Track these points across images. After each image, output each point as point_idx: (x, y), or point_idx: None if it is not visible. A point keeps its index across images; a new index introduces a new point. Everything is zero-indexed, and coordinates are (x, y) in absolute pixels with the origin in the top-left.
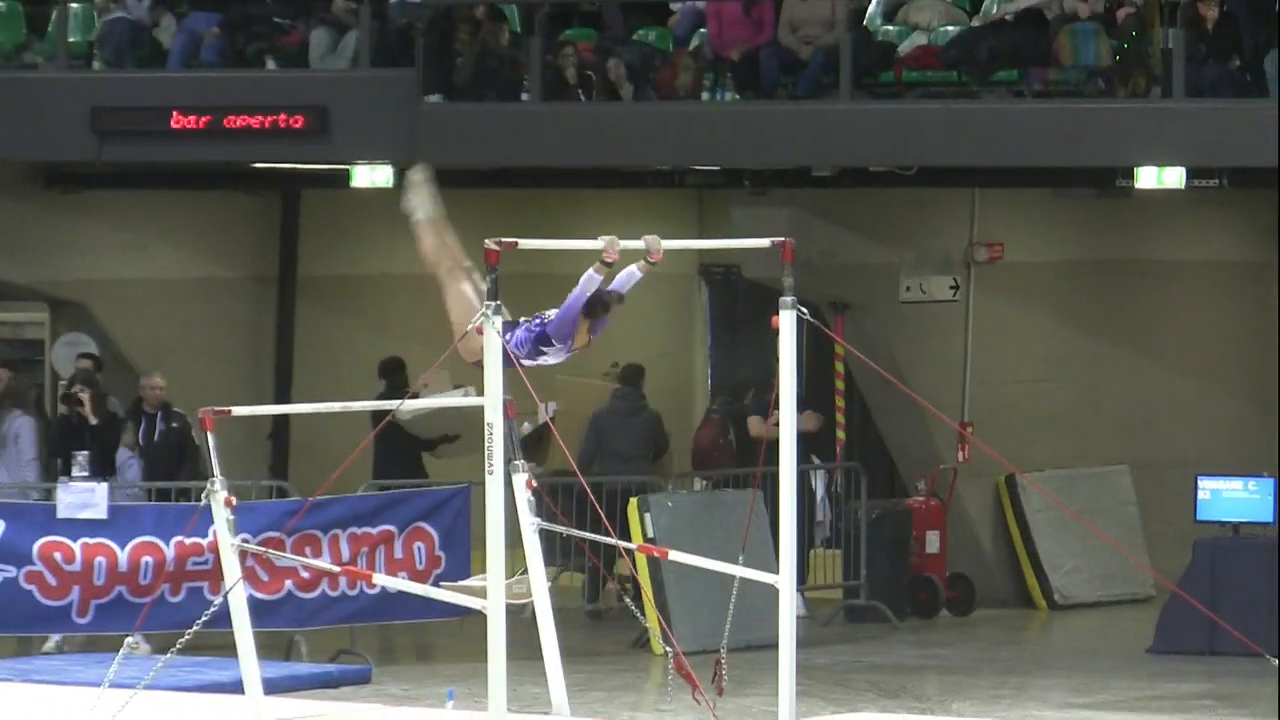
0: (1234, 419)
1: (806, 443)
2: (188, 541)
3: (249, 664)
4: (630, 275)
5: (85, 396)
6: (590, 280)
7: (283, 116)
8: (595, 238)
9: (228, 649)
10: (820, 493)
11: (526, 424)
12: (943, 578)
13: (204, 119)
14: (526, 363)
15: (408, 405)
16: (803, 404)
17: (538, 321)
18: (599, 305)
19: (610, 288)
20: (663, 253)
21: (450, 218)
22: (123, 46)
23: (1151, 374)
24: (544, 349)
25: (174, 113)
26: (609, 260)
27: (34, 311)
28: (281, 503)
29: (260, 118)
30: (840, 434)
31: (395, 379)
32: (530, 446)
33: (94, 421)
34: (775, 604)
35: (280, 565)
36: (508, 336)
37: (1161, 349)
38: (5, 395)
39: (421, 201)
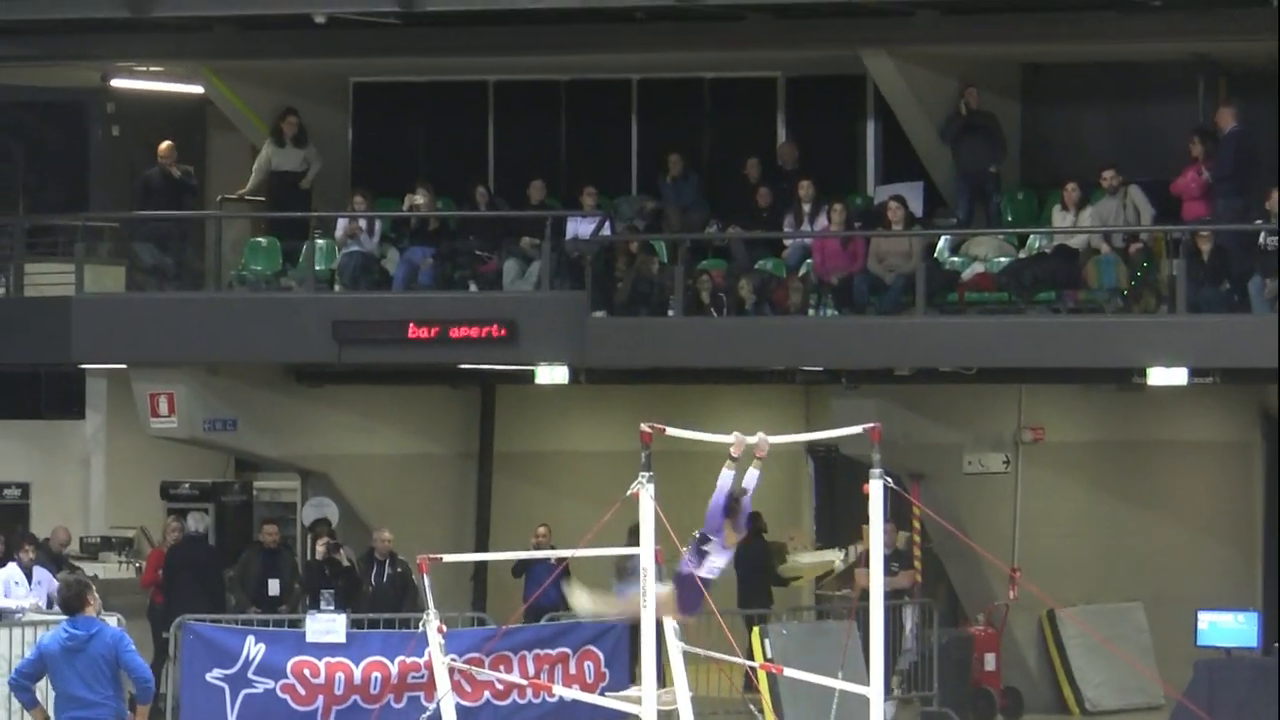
0: (1225, 565)
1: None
2: (408, 660)
3: None
4: (754, 476)
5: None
6: (725, 477)
7: (482, 328)
8: (729, 434)
9: None
10: (909, 625)
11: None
12: (998, 689)
13: (422, 330)
14: (705, 575)
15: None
16: (905, 562)
17: (691, 545)
18: (732, 502)
19: (742, 485)
20: (769, 443)
21: (611, 406)
22: (357, 273)
23: (1160, 530)
24: (705, 549)
25: (398, 324)
26: (735, 455)
27: (287, 480)
28: (481, 630)
29: (465, 329)
30: (917, 577)
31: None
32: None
33: (346, 564)
34: (868, 709)
35: (480, 679)
36: (683, 566)
37: (1168, 509)
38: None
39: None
